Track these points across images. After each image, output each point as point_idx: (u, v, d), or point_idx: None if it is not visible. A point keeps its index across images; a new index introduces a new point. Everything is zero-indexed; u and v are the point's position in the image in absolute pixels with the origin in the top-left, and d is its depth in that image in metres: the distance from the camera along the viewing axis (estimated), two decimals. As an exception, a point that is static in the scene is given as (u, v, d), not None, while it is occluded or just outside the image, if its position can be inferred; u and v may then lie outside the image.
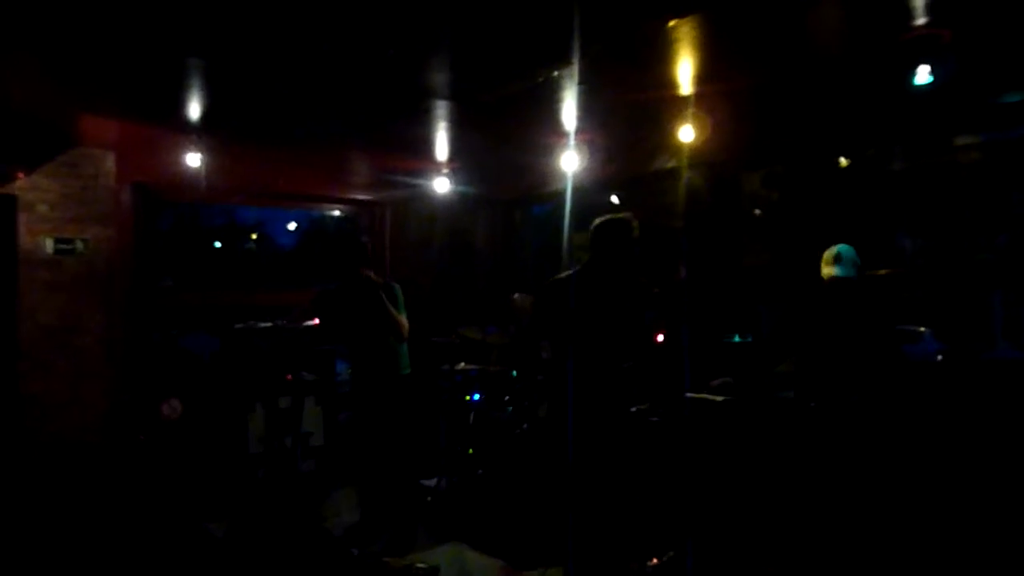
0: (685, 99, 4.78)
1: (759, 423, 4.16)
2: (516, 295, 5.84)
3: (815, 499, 3.78)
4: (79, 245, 5.57)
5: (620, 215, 3.82)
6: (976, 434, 3.69)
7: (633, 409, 4.52)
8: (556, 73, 4.30)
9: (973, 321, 4.74)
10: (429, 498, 5.53)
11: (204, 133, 5.67)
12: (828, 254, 3.92)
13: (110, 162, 5.68)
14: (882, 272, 4.90)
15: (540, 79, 4.33)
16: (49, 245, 5.47)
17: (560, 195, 6.24)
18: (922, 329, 4.37)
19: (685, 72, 4.30)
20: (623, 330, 3.73)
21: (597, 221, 3.82)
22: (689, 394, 4.32)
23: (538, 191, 6.96)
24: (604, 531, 3.82)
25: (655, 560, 4.28)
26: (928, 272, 4.89)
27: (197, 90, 4.77)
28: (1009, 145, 4.62)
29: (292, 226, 10.41)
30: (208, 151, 5.75)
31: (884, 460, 3.66)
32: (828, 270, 3.88)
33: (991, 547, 3.47)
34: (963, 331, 4.58)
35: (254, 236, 10.71)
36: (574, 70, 4.20)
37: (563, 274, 3.90)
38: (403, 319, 4.91)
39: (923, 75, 3.85)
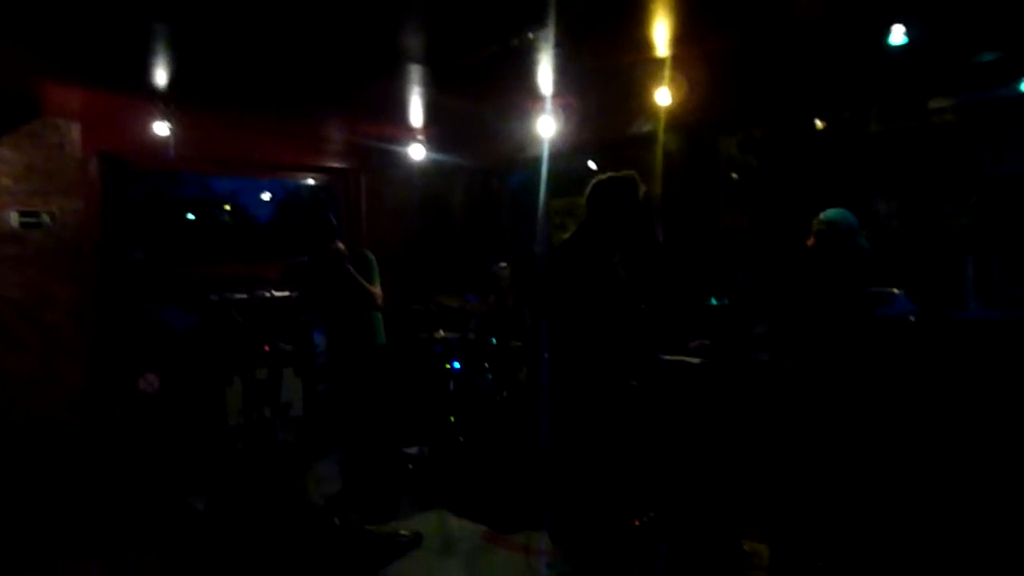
0: (662, 62, 4.75)
1: (736, 385, 4.19)
2: (499, 264, 5.82)
3: (792, 459, 3.82)
4: (45, 218, 5.44)
5: (623, 173, 3.66)
6: (949, 393, 3.74)
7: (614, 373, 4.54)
8: (531, 36, 4.24)
9: (945, 282, 4.79)
10: (411, 466, 5.55)
11: (172, 101, 5.56)
12: (823, 216, 3.86)
13: (76, 132, 5.53)
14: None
15: (515, 42, 4.27)
16: (14, 219, 5.34)
17: (537, 161, 6.18)
18: (895, 291, 4.40)
19: (661, 34, 4.26)
20: (610, 301, 3.64)
21: (596, 179, 3.68)
22: (666, 357, 4.33)
23: (515, 157, 6.89)
24: (586, 494, 3.85)
25: (636, 522, 4.33)
26: (901, 234, 4.92)
27: (164, 56, 4.66)
28: (983, 107, 4.65)
29: (267, 196, 10.24)
30: (177, 119, 5.64)
31: (859, 419, 3.71)
32: (819, 228, 3.86)
33: (966, 502, 3.54)
34: (935, 292, 4.64)
35: (227, 207, 10.54)
36: (550, 33, 4.14)
37: (565, 236, 3.82)
38: (376, 289, 4.89)
39: (898, 35, 3.84)
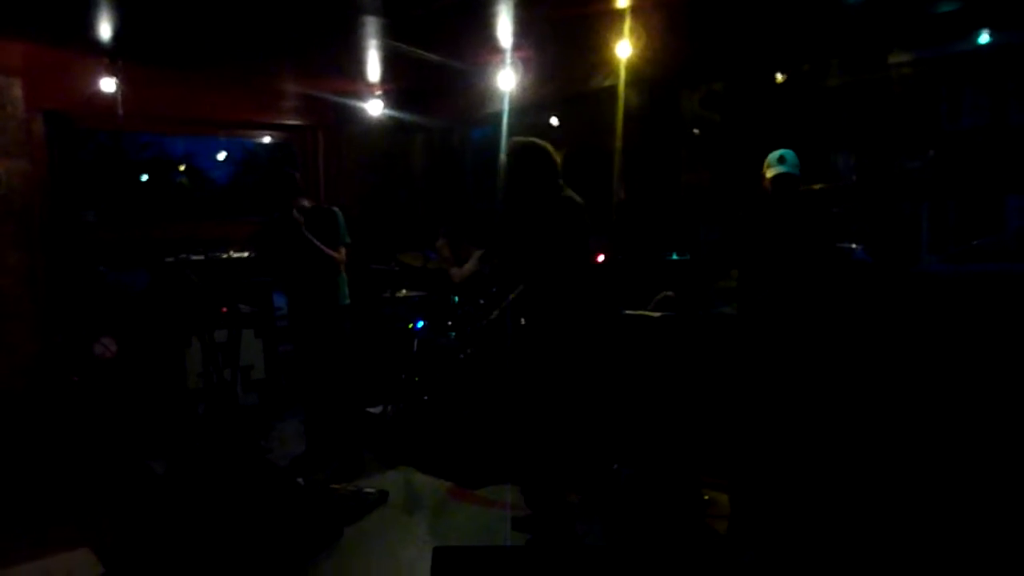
0: (622, 13, 4.68)
1: (696, 337, 4.23)
2: (438, 241, 5.65)
3: (756, 412, 3.88)
4: (-10, 180, 5.26)
5: (530, 140, 3.80)
6: (905, 346, 3.82)
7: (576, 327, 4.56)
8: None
9: (901, 236, 4.86)
10: (375, 425, 5.55)
11: (120, 56, 5.37)
12: (771, 156, 3.89)
13: (17, 89, 5.32)
14: (817, 187, 4.97)
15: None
16: (-43, 181, 5.16)
17: (498, 117, 6.11)
18: (854, 245, 4.46)
19: (621, -18, 4.19)
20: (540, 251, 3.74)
21: (512, 142, 3.84)
22: (627, 311, 4.36)
23: (475, 113, 6.81)
24: (549, 447, 3.89)
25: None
26: (860, 187, 4.97)
27: (109, 7, 4.47)
28: (941, 62, 4.67)
29: (221, 156, 10.03)
30: (126, 76, 5.46)
31: (823, 372, 3.77)
32: (772, 171, 3.87)
33: (924, 453, 3.63)
34: (892, 246, 4.70)
35: (182, 168, 10.30)
36: (508, -19, 4.06)
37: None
38: (340, 253, 4.80)
39: (856, -14, 3.82)
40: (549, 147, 3.78)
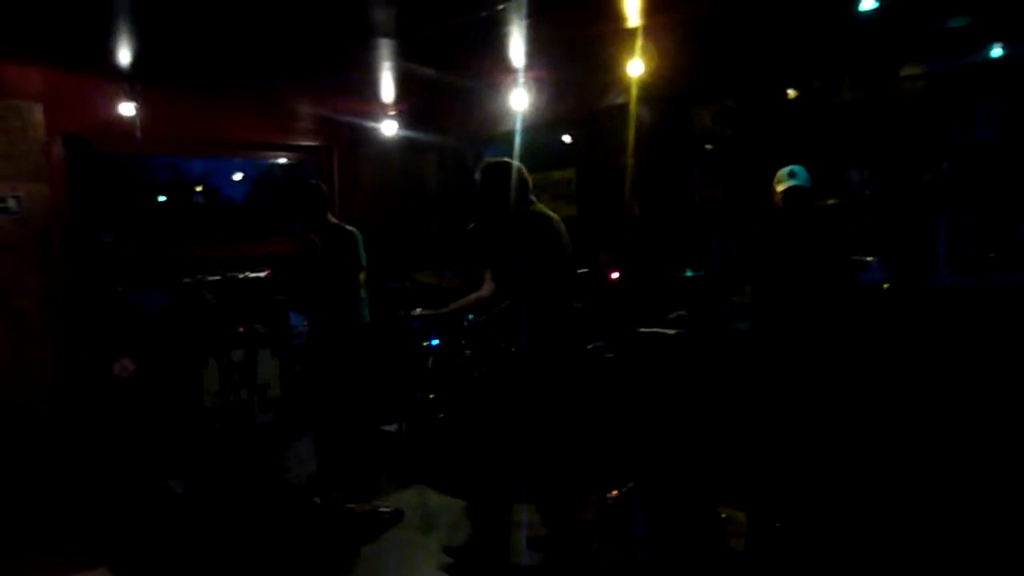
0: (633, 32, 4.71)
1: (712, 355, 4.22)
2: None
3: (770, 429, 3.86)
4: (11, 203, 5.32)
5: (499, 159, 3.93)
6: (923, 360, 3.79)
7: (589, 347, 4.56)
8: (501, 7, 4.19)
9: (918, 249, 4.84)
10: (390, 444, 5.55)
11: (138, 80, 5.46)
12: (781, 172, 3.92)
13: (38, 114, 5.39)
14: (831, 202, 4.96)
15: (484, 13, 4.21)
16: (-21, 204, 5.23)
17: (511, 136, 6.15)
18: (869, 259, 4.45)
19: (632, 3, 4.22)
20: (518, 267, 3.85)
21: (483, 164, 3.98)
22: (642, 329, 4.35)
23: (488, 132, 6.85)
24: (562, 466, 3.88)
25: (614, 492, 4.37)
26: (874, 201, 4.95)
27: (127, 33, 4.57)
28: (952, 75, 4.66)
29: (238, 176, 10.09)
30: (143, 100, 5.55)
31: (837, 388, 3.74)
32: (783, 185, 3.88)
33: (944, 466, 3.59)
34: (908, 260, 4.68)
35: (199, 188, 10.38)
36: (520, 3, 4.10)
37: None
38: (360, 277, 4.86)
39: (867, 1, 3.83)
40: (517, 166, 3.90)
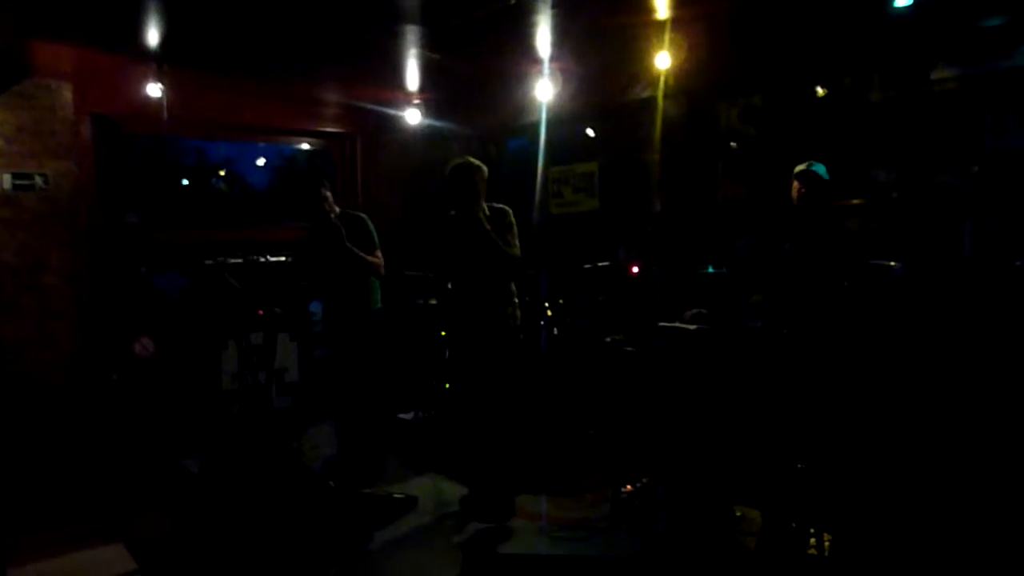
0: (661, 24, 4.68)
1: (731, 351, 4.18)
2: None
3: (786, 424, 3.83)
4: (38, 180, 5.39)
5: (467, 160, 4.25)
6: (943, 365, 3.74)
7: (608, 339, 4.54)
8: (529, -6, 4.17)
9: (943, 254, 4.77)
10: (406, 431, 5.57)
11: (166, 62, 5.49)
12: (800, 166, 3.91)
13: (67, 93, 5.45)
14: (855, 202, 4.90)
15: (512, 1, 4.19)
16: (7, 181, 5.28)
17: (535, 128, 6.13)
18: (892, 263, 4.38)
19: (662, -6, 4.19)
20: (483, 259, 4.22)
21: (450, 164, 4.28)
22: (663, 323, 4.33)
23: (512, 124, 6.84)
24: (579, 457, 3.88)
25: (628, 487, 4.36)
26: (900, 203, 4.89)
27: (157, 13, 4.58)
28: (985, 78, 4.58)
29: (261, 162, 10.15)
30: (171, 82, 5.58)
31: (853, 386, 3.70)
32: (800, 169, 3.88)
33: (961, 475, 3.55)
34: (933, 264, 4.61)
35: (222, 172, 10.46)
36: (548, -10, 4.08)
37: (452, 213, 4.30)
38: (378, 258, 4.82)
39: (903, -3, 3.78)
40: (473, 165, 4.22)
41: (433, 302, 5.73)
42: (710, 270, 5.08)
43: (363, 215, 4.89)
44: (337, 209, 4.83)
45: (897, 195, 4.95)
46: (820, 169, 3.88)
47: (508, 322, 4.34)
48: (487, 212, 4.25)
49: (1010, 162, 4.67)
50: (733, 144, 5.85)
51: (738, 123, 5.79)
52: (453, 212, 4.28)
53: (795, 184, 3.91)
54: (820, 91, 5.31)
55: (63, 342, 5.47)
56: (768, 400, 3.93)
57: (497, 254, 4.20)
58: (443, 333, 5.60)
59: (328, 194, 4.74)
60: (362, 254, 4.67)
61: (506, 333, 4.35)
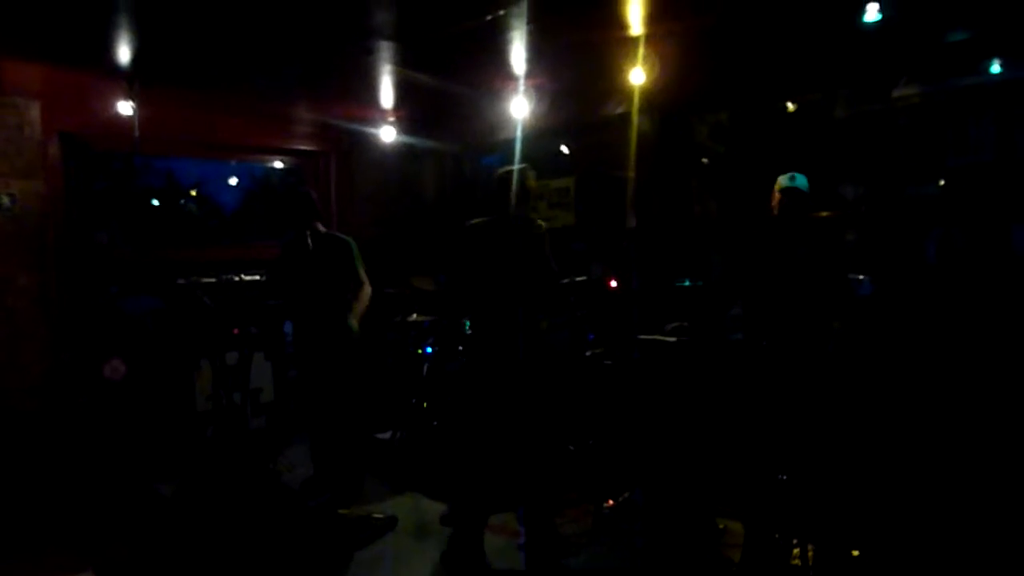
0: (635, 41, 4.72)
1: (711, 363, 4.20)
2: None
3: (766, 436, 3.84)
4: (5, 200, 5.27)
5: (520, 166, 4.03)
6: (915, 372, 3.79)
7: (588, 353, 4.54)
8: (503, 12, 4.19)
9: (908, 266, 4.84)
10: (384, 451, 5.50)
11: (136, 81, 5.43)
12: (782, 177, 3.90)
13: (35, 111, 5.36)
14: (824, 214, 4.97)
15: (487, 17, 4.21)
16: (-28, 201, 5.18)
17: (509, 144, 6.15)
18: (861, 277, 4.43)
19: (635, 11, 4.23)
20: (527, 271, 3.94)
21: (498, 171, 4.09)
22: (642, 336, 4.34)
23: (487, 140, 6.86)
24: (550, 473, 3.86)
25: (611, 501, 4.34)
26: (867, 215, 4.96)
27: (126, 32, 4.54)
28: (948, 95, 4.68)
29: (233, 181, 10.06)
30: (142, 99, 5.51)
31: (835, 398, 3.73)
32: (782, 183, 3.88)
33: (942, 487, 3.58)
34: (898, 276, 4.68)
35: (193, 192, 10.35)
36: (522, 8, 4.10)
37: (477, 220, 4.05)
38: (362, 276, 4.78)
39: (872, 13, 3.86)
40: (524, 168, 4.03)
41: (415, 318, 5.68)
42: (687, 284, 5.11)
43: (348, 238, 4.82)
44: (322, 228, 4.77)
45: (865, 209, 5.03)
46: (802, 182, 3.90)
47: (542, 339, 4.06)
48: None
49: (972, 177, 4.78)
50: (704, 160, 5.92)
51: (708, 141, 5.87)
52: (479, 220, 4.05)
53: (776, 196, 3.91)
54: (791, 107, 5.39)
55: (32, 365, 5.34)
56: (749, 412, 3.94)
57: (545, 266, 3.98)
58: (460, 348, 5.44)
59: (315, 203, 4.71)
60: (330, 281, 4.66)
61: (544, 353, 4.08)
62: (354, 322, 4.76)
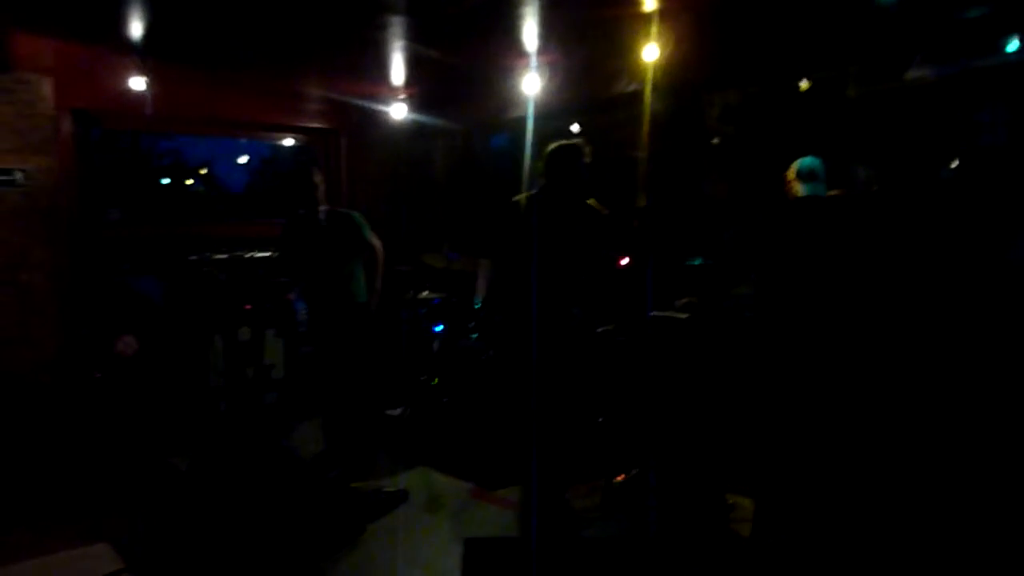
0: (648, 17, 4.70)
1: (723, 339, 4.21)
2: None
3: (776, 414, 3.85)
4: (18, 176, 5.30)
5: (573, 141, 3.86)
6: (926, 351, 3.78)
7: (600, 330, 4.55)
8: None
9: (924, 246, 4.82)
10: (394, 427, 5.54)
11: (148, 55, 5.44)
12: (801, 167, 3.83)
13: (47, 88, 5.37)
14: (833, 193, 4.95)
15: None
16: (-14, 176, 5.21)
17: (519, 122, 6.13)
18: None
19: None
20: (577, 254, 3.80)
21: (551, 146, 3.88)
22: (654, 312, 4.34)
23: (497, 118, 6.84)
24: (568, 450, 3.88)
25: (621, 476, 4.37)
26: (878, 194, 4.93)
27: (139, 5, 4.53)
28: (962, 76, 4.63)
29: (243, 159, 10.08)
30: (152, 75, 5.53)
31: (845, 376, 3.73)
32: (799, 188, 3.84)
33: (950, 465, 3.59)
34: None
35: (203, 171, 10.37)
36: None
37: (520, 196, 3.92)
38: (373, 241, 4.81)
39: (888, -12, 3.82)
40: (579, 145, 3.85)
41: (425, 295, 5.70)
42: (698, 262, 5.11)
43: (350, 211, 4.86)
44: (326, 205, 4.79)
45: (877, 189, 5.01)
46: (819, 176, 3.86)
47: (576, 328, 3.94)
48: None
49: (986, 161, 4.75)
50: (715, 140, 5.89)
51: (716, 123, 5.83)
52: (519, 197, 3.91)
53: (791, 183, 3.88)
54: (803, 85, 5.35)
55: (45, 340, 5.38)
56: (759, 388, 3.95)
57: (595, 256, 3.85)
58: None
59: (319, 182, 4.70)
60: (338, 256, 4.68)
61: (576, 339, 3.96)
62: (377, 284, 4.84)
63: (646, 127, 5.49)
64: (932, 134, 4.77)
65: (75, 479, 4.93)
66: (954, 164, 4.83)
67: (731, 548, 3.81)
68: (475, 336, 5.42)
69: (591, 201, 3.87)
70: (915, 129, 4.78)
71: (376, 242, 4.82)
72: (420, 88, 6.73)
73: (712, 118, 5.79)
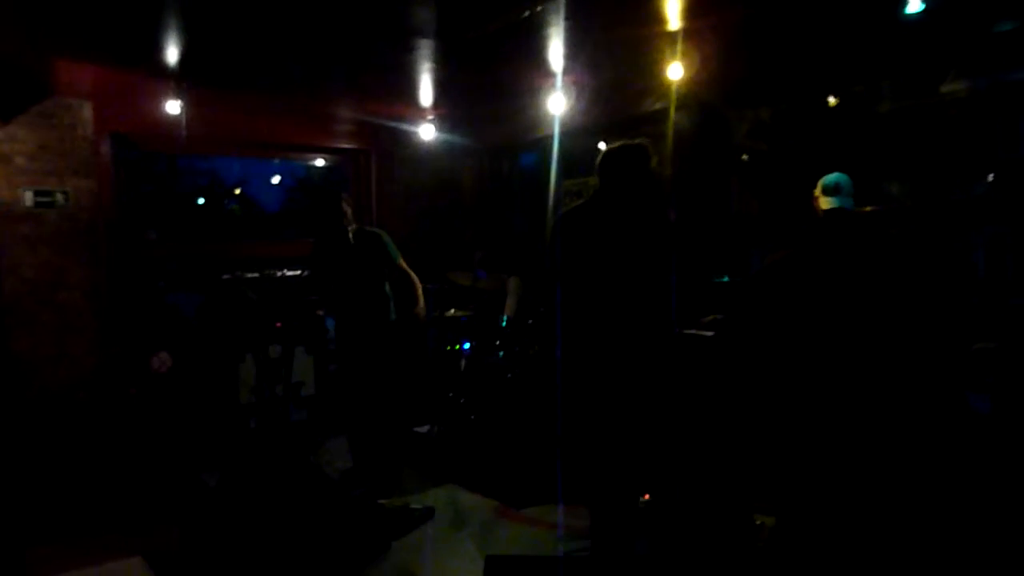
0: (673, 35, 4.72)
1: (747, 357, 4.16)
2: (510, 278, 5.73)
3: (799, 432, 3.80)
4: (59, 198, 5.46)
5: (636, 141, 3.46)
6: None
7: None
8: (541, 8, 4.22)
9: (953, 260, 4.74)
10: (422, 445, 5.57)
11: (184, 80, 5.58)
12: (827, 182, 3.77)
13: (88, 112, 5.54)
14: (867, 209, 4.89)
15: (525, 14, 4.24)
16: (29, 198, 5.36)
17: (547, 141, 6.18)
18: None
19: (673, 5, 4.22)
20: (640, 266, 3.41)
21: (609, 147, 3.49)
22: (680, 330, 4.32)
23: (524, 138, 6.89)
24: (612, 470, 3.75)
25: (647, 496, 4.33)
26: (911, 210, 4.87)
27: (175, 33, 4.67)
28: (997, 88, 4.57)
29: (276, 179, 10.28)
30: (188, 99, 5.67)
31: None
32: (825, 202, 3.78)
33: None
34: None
35: (237, 191, 10.58)
36: (560, 4, 4.13)
37: (574, 204, 3.64)
38: (401, 264, 4.89)
39: (915, 3, 3.80)
40: (643, 148, 3.47)
41: (452, 313, 5.74)
42: (725, 280, 5.08)
43: (378, 231, 4.95)
44: (354, 225, 4.89)
45: (911, 204, 4.95)
46: (845, 191, 3.75)
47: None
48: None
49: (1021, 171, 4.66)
50: (744, 156, 5.87)
51: (745, 140, 5.80)
52: (578, 204, 3.55)
53: (819, 199, 3.80)
54: (832, 100, 5.31)
55: (82, 357, 5.51)
56: (785, 405, 3.90)
57: (664, 272, 3.39)
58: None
59: (348, 209, 4.80)
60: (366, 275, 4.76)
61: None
62: (420, 302, 4.89)
63: (670, 144, 5.49)
64: (966, 149, 4.71)
65: (110, 495, 5.02)
66: (989, 178, 4.76)
67: (757, 569, 3.75)
68: (501, 354, 5.43)
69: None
70: (949, 144, 4.72)
71: (408, 269, 4.90)
72: (448, 108, 6.81)
73: (741, 135, 5.77)
